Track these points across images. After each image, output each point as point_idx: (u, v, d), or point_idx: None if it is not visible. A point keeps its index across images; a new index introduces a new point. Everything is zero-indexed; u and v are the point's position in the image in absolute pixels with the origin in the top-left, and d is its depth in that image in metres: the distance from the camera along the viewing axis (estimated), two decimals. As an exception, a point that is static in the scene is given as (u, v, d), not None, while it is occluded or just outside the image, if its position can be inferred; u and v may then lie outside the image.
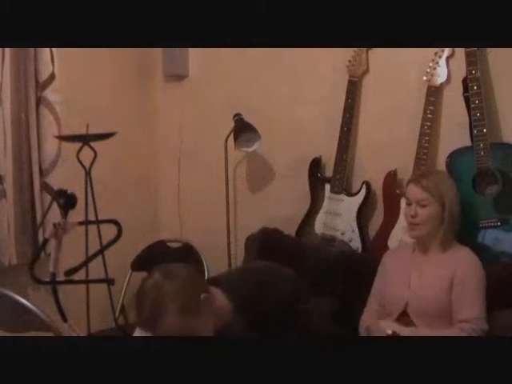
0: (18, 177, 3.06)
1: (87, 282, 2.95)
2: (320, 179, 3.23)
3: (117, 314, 3.36)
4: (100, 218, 2.95)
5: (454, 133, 2.91)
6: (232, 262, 3.48)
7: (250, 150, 3.39)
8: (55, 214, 2.68)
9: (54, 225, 2.41)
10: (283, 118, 3.40)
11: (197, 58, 3.66)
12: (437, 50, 2.89)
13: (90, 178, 3.02)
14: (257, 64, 3.43)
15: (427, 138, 2.87)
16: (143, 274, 3.54)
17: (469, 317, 2.43)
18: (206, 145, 3.66)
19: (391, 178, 3.00)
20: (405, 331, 2.48)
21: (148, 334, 2.13)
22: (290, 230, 3.24)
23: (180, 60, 3.67)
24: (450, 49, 2.89)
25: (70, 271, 2.57)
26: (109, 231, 2.71)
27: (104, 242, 2.83)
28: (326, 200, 3.19)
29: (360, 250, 3.08)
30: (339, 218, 3.15)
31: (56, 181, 3.13)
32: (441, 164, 2.91)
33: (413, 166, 2.89)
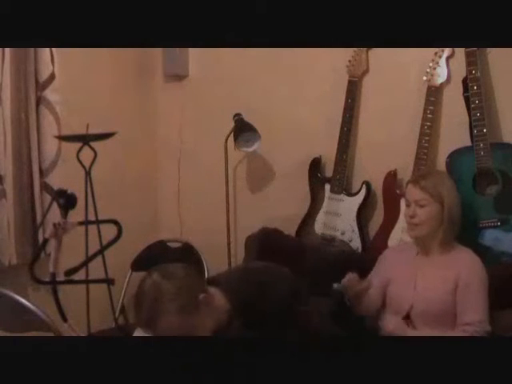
0: (18, 177, 3.06)
1: (87, 281, 2.95)
2: (320, 179, 3.23)
3: (117, 314, 3.36)
4: (100, 218, 2.95)
5: (454, 133, 2.91)
6: (232, 261, 3.48)
7: (250, 150, 3.39)
8: (55, 214, 2.68)
9: (54, 225, 2.42)
10: (283, 118, 3.40)
11: (197, 58, 3.66)
12: (437, 50, 2.89)
13: (90, 178, 3.02)
14: (257, 64, 3.43)
15: (427, 137, 2.87)
16: (143, 274, 3.58)
17: (472, 320, 2.43)
18: (206, 145, 3.65)
19: (391, 178, 3.01)
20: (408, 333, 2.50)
21: (148, 334, 2.13)
22: (290, 230, 3.24)
23: (180, 60, 3.67)
24: (450, 49, 2.89)
25: (70, 271, 2.57)
26: (109, 231, 2.71)
27: (104, 242, 2.83)
28: (326, 200, 3.19)
29: (360, 250, 3.08)
30: (339, 218, 3.15)
31: (56, 181, 3.13)
32: (441, 164, 2.91)
33: (413, 166, 2.89)
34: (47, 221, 2.76)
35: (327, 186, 3.19)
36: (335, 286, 2.54)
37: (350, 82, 3.12)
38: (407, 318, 2.55)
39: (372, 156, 3.16)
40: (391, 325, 2.57)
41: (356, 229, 3.10)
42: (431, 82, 2.90)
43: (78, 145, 3.00)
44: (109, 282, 2.81)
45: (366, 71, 3.14)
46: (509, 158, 2.74)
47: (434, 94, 2.88)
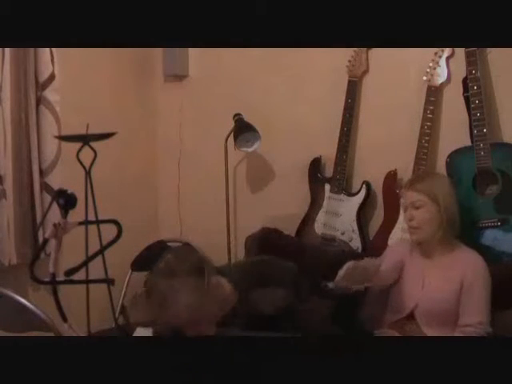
0: (18, 177, 3.06)
1: (87, 282, 2.95)
2: (320, 179, 3.23)
3: (117, 314, 3.35)
4: (100, 218, 2.95)
5: (454, 133, 2.91)
6: (232, 261, 3.48)
7: (250, 150, 3.39)
8: (55, 214, 2.67)
9: (54, 225, 2.41)
10: (283, 118, 3.40)
11: (197, 57, 3.66)
12: (437, 50, 2.89)
13: (90, 178, 3.02)
14: (257, 64, 3.43)
15: (427, 137, 2.87)
16: (143, 274, 3.57)
17: (472, 321, 2.44)
18: (206, 145, 3.65)
19: (391, 178, 3.01)
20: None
21: (158, 319, 2.12)
22: (290, 229, 3.25)
23: (180, 60, 3.67)
24: (450, 49, 2.89)
25: (70, 271, 2.57)
26: (109, 231, 2.71)
27: (104, 242, 2.83)
28: (326, 200, 3.19)
29: (360, 250, 3.08)
30: (339, 218, 3.15)
31: (56, 181, 3.13)
32: (441, 164, 2.91)
33: (413, 166, 2.89)
34: (47, 221, 2.76)
35: (327, 186, 3.19)
36: (329, 284, 2.53)
37: (350, 82, 3.13)
38: (411, 317, 2.55)
39: (372, 156, 3.16)
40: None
41: (356, 229, 3.10)
42: (431, 82, 2.90)
43: (78, 145, 3.00)
44: (109, 281, 2.80)
45: (366, 71, 3.14)
46: (509, 158, 2.74)
47: (433, 93, 2.88)
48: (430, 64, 2.90)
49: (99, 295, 3.04)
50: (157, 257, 3.52)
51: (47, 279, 2.50)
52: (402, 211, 2.84)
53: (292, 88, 3.37)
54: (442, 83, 2.90)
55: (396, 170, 3.00)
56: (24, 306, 2.18)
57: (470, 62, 2.75)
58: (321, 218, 3.20)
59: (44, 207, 3.08)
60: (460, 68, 2.84)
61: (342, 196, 3.14)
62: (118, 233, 2.62)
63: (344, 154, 3.13)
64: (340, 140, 3.13)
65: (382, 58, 3.09)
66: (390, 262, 2.64)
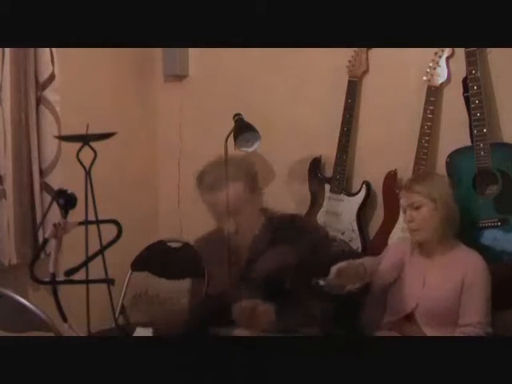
0: (18, 177, 3.06)
1: (87, 282, 2.94)
2: (320, 179, 3.23)
3: (117, 314, 3.36)
4: (100, 218, 2.94)
5: (454, 133, 2.91)
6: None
7: (250, 150, 3.39)
8: (55, 213, 2.67)
9: (54, 225, 2.41)
10: (283, 118, 3.40)
11: (197, 57, 3.66)
12: (437, 50, 2.89)
13: (90, 178, 3.01)
14: (257, 64, 3.43)
15: (427, 137, 2.87)
16: (143, 274, 3.58)
17: (472, 321, 2.45)
18: (206, 145, 3.65)
19: (391, 178, 3.01)
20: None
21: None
22: (290, 229, 3.24)
23: (180, 60, 3.67)
24: (450, 49, 2.89)
25: (70, 271, 2.56)
26: (109, 231, 2.71)
27: (104, 242, 2.82)
28: (325, 200, 3.19)
29: (360, 250, 3.08)
30: (339, 218, 3.16)
31: (56, 181, 3.12)
32: (441, 164, 2.91)
33: (413, 166, 2.89)
34: (47, 221, 2.75)
35: (327, 186, 3.19)
36: (320, 282, 2.51)
37: (350, 82, 3.13)
38: (410, 316, 2.55)
39: (372, 156, 3.16)
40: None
41: (356, 229, 3.10)
42: (431, 82, 2.90)
43: (78, 145, 2.99)
44: (109, 281, 2.80)
45: (366, 71, 3.14)
46: (509, 158, 2.74)
47: (433, 93, 2.88)
48: (430, 64, 2.91)
49: (99, 295, 3.03)
50: (157, 257, 3.55)
51: (47, 279, 2.49)
52: (401, 211, 2.84)
53: (292, 88, 3.37)
54: (442, 83, 2.91)
55: (396, 170, 3.00)
56: (24, 306, 2.18)
57: (470, 62, 2.75)
58: (321, 217, 3.20)
59: (44, 207, 3.09)
60: (460, 68, 2.84)
61: (342, 196, 3.14)
62: (117, 233, 2.61)
63: (344, 154, 3.13)
64: (340, 140, 3.13)
65: (382, 58, 3.09)
66: (389, 260, 2.64)
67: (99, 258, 2.85)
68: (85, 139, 2.97)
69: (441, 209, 2.53)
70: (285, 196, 3.42)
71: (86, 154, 3.01)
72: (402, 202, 2.60)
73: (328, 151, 3.19)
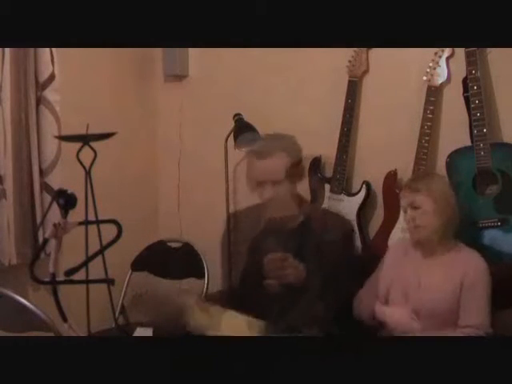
0: (18, 177, 3.06)
1: (87, 282, 2.95)
2: (320, 179, 3.23)
3: (117, 314, 3.36)
4: (100, 218, 2.95)
5: (454, 133, 2.91)
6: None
7: (250, 150, 3.39)
8: (55, 214, 2.67)
9: (54, 225, 2.41)
10: (283, 118, 3.40)
11: (197, 57, 3.66)
12: (437, 50, 2.90)
13: (90, 178, 3.02)
14: (257, 64, 3.43)
15: (427, 137, 2.87)
16: (143, 274, 3.58)
17: (473, 322, 2.44)
18: (206, 145, 3.65)
19: (391, 178, 3.01)
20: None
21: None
22: (290, 229, 3.24)
23: (180, 60, 3.67)
24: (450, 49, 2.89)
25: (70, 271, 2.56)
26: (109, 231, 2.71)
27: (104, 242, 2.82)
28: (325, 200, 3.19)
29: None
30: (339, 218, 3.15)
31: (56, 181, 3.13)
32: (441, 164, 2.91)
33: (413, 166, 2.89)
34: (47, 221, 2.76)
35: (327, 186, 3.19)
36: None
37: (350, 82, 3.13)
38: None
39: (372, 156, 3.16)
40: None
41: (356, 229, 3.10)
42: (431, 82, 2.90)
43: (78, 145, 3.00)
44: (109, 281, 2.80)
45: (366, 71, 3.14)
46: (509, 158, 2.74)
47: (433, 93, 2.88)
48: (430, 64, 2.91)
49: (99, 295, 3.04)
50: (157, 257, 3.55)
51: (47, 279, 2.49)
52: (402, 211, 2.84)
53: (292, 88, 3.37)
54: (442, 83, 2.91)
55: (396, 170, 3.00)
56: (24, 306, 2.17)
57: (470, 62, 2.75)
58: (321, 217, 3.20)
59: (44, 207, 3.09)
60: (460, 68, 2.84)
61: (342, 196, 3.14)
62: (117, 233, 2.61)
63: (344, 154, 3.13)
64: (340, 140, 3.13)
65: (382, 58, 3.09)
66: (387, 261, 2.67)
67: (99, 257, 2.86)
68: (85, 139, 2.98)
69: (441, 208, 2.53)
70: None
71: (86, 154, 3.02)
72: (403, 201, 2.60)
73: (328, 151, 3.19)
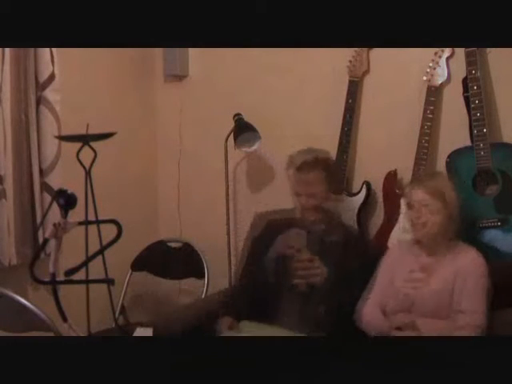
0: (18, 177, 3.06)
1: (87, 282, 2.95)
2: (320, 179, 3.23)
3: (117, 314, 3.36)
4: (100, 218, 2.95)
5: (454, 133, 2.91)
6: (232, 261, 3.48)
7: (250, 150, 3.39)
8: (55, 214, 2.67)
9: (54, 225, 2.41)
10: (283, 118, 3.40)
11: (197, 58, 3.66)
12: (437, 50, 2.89)
13: (90, 178, 3.02)
14: (257, 64, 3.43)
15: (427, 138, 2.87)
16: (143, 274, 3.58)
17: (465, 309, 2.44)
18: (206, 145, 3.65)
19: (391, 178, 3.00)
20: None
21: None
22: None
23: (180, 60, 3.67)
24: (450, 49, 2.89)
25: (70, 271, 2.57)
26: (109, 231, 2.71)
27: (104, 242, 2.83)
28: (325, 200, 3.19)
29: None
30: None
31: (56, 181, 3.12)
32: (441, 164, 2.91)
33: (413, 166, 2.89)
34: (47, 221, 2.76)
35: (327, 186, 3.19)
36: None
37: (350, 82, 3.13)
38: (408, 316, 2.55)
39: (372, 156, 3.16)
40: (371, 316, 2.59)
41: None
42: (431, 82, 2.90)
43: (78, 145, 3.00)
44: (109, 281, 2.80)
45: (367, 71, 3.14)
46: (509, 157, 2.74)
47: (434, 94, 2.88)
48: (430, 64, 2.90)
49: (99, 295, 3.04)
50: (157, 257, 3.55)
51: (47, 279, 2.49)
52: (402, 211, 2.84)
53: (292, 88, 3.37)
54: (441, 83, 2.91)
55: (396, 170, 3.00)
56: (24, 306, 2.18)
57: (470, 62, 2.75)
58: (321, 218, 3.20)
59: (44, 207, 3.08)
60: (460, 68, 2.84)
61: (343, 196, 3.14)
62: (117, 233, 2.61)
63: (344, 154, 3.13)
64: (340, 140, 3.13)
65: (383, 58, 3.09)
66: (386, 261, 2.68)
67: (99, 258, 2.86)
68: (85, 139, 2.98)
69: (448, 207, 2.53)
70: (285, 196, 3.41)
71: (86, 154, 3.02)
72: (410, 198, 2.58)
73: (328, 151, 3.18)
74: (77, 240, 2.87)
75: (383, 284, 2.64)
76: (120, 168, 3.61)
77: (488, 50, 2.80)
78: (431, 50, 2.90)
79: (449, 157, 2.85)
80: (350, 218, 3.11)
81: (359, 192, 3.12)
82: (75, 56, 3.19)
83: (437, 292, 2.51)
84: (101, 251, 2.79)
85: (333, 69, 3.20)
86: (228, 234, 3.47)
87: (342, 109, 3.12)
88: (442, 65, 2.89)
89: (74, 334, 2.37)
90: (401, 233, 2.90)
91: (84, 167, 3.02)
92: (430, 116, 2.87)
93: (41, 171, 3.12)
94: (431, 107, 2.87)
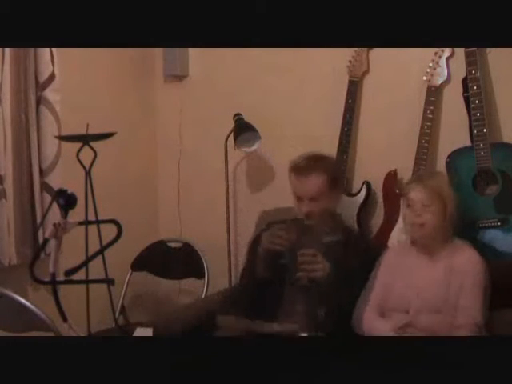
0: (18, 177, 3.06)
1: (87, 282, 2.95)
2: (320, 179, 3.22)
3: (117, 314, 3.36)
4: (100, 217, 2.95)
5: (453, 133, 2.91)
6: (232, 261, 3.48)
7: (250, 150, 3.39)
8: (55, 214, 2.67)
9: (54, 225, 2.41)
10: (283, 118, 3.40)
11: (197, 57, 3.66)
12: (437, 50, 2.90)
13: (90, 178, 3.02)
14: (257, 64, 3.43)
15: (427, 138, 2.87)
16: (143, 274, 3.58)
17: (463, 306, 2.44)
18: (206, 145, 3.65)
19: (391, 178, 3.01)
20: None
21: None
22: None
23: (180, 60, 3.67)
24: (450, 49, 2.89)
25: (70, 271, 2.57)
26: (109, 231, 2.71)
27: (104, 242, 2.83)
28: (326, 200, 3.19)
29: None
30: (339, 218, 3.15)
31: (56, 181, 3.13)
32: (441, 164, 2.91)
33: (413, 166, 2.89)
34: (47, 221, 2.76)
35: (327, 186, 3.19)
36: None
37: (350, 82, 3.13)
38: (407, 316, 2.55)
39: (372, 156, 3.16)
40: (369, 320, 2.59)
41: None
42: (431, 82, 2.90)
43: (78, 145, 3.00)
44: (109, 281, 2.80)
45: (367, 71, 3.14)
46: (509, 158, 2.74)
47: (433, 94, 2.88)
48: (430, 64, 2.91)
49: (99, 295, 3.04)
50: (157, 257, 3.55)
51: (47, 279, 2.49)
52: (402, 211, 2.84)
53: (292, 88, 3.37)
54: (441, 83, 2.91)
55: (396, 170, 3.00)
56: (24, 306, 2.18)
57: (470, 62, 2.75)
58: (321, 218, 3.20)
59: (44, 207, 3.09)
60: (460, 68, 2.84)
61: (343, 196, 3.14)
62: (117, 233, 2.61)
63: (344, 154, 3.13)
64: (340, 140, 3.13)
65: (383, 58, 3.09)
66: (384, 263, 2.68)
67: (99, 258, 2.86)
68: (85, 139, 2.98)
69: (448, 207, 2.53)
70: (285, 196, 3.41)
71: (86, 154, 3.02)
72: (411, 196, 2.58)
73: (328, 151, 3.18)
74: (77, 240, 2.87)
75: (381, 287, 2.64)
76: (120, 168, 3.61)
77: (488, 50, 2.80)
78: (431, 49, 2.90)
79: (449, 157, 2.85)
80: (350, 218, 3.12)
81: (359, 192, 3.12)
82: (75, 56, 3.19)
83: (434, 291, 2.51)
84: (101, 251, 2.79)
85: (333, 69, 3.20)
86: (228, 233, 3.47)
87: (342, 109, 3.12)
88: (442, 65, 2.89)
89: (74, 334, 2.37)
90: (401, 233, 2.90)
91: (84, 167, 3.02)
92: (430, 116, 2.87)
93: (41, 171, 3.12)
94: (431, 107, 2.87)
